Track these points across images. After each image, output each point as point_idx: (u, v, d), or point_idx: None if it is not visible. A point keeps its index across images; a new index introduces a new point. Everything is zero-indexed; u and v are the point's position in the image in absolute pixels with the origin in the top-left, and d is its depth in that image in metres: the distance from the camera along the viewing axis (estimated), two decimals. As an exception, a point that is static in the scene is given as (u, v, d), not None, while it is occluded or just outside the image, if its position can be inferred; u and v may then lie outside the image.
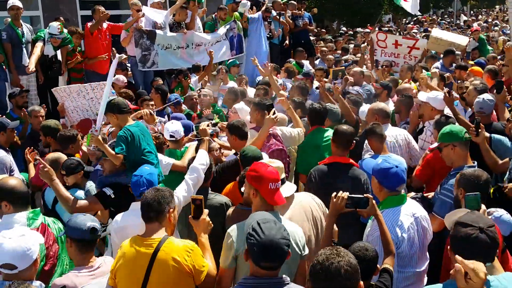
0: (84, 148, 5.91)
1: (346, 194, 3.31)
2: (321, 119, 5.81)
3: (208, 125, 5.31)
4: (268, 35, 12.13)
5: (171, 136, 5.33)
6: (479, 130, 4.68)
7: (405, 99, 6.60)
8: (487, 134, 4.92)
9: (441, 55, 10.63)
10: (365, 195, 3.33)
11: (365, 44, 12.63)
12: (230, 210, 4.00)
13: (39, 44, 8.40)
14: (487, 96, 5.74)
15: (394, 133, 5.64)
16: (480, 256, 2.52)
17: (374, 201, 3.32)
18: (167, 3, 13.19)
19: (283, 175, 3.74)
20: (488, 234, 2.59)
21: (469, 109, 6.48)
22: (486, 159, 4.74)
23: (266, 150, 5.43)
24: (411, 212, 3.55)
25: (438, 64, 9.94)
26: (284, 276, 2.76)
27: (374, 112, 5.87)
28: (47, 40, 8.47)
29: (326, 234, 3.42)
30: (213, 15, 11.51)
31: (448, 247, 2.72)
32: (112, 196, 4.32)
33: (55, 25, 8.46)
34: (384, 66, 9.88)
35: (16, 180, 3.83)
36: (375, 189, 3.68)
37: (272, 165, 3.58)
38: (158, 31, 9.61)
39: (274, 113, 5.32)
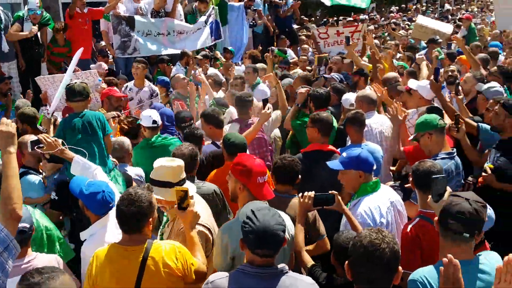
0: None
1: (312, 193, 3.34)
2: (325, 103, 5.82)
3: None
4: (251, 23, 12.01)
5: (154, 122, 5.25)
6: (459, 126, 4.68)
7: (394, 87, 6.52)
8: (474, 123, 4.90)
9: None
10: (330, 192, 3.37)
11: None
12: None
13: (15, 25, 8.17)
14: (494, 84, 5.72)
15: (380, 121, 5.58)
16: (459, 222, 2.61)
17: (339, 197, 3.36)
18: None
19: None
20: (472, 204, 2.65)
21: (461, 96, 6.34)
22: (467, 155, 4.77)
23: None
24: (386, 197, 3.61)
25: (423, 52, 9.88)
26: (282, 265, 2.72)
27: (359, 99, 5.78)
28: (26, 17, 8.26)
29: (299, 235, 3.34)
30: (193, 7, 11.33)
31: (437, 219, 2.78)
32: (56, 198, 4.18)
33: (34, 0, 8.20)
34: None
35: None
36: (353, 181, 3.63)
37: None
38: (137, 17, 9.44)
39: (268, 108, 5.32)
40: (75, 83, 4.89)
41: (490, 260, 2.72)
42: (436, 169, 3.52)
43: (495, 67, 7.04)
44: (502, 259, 3.52)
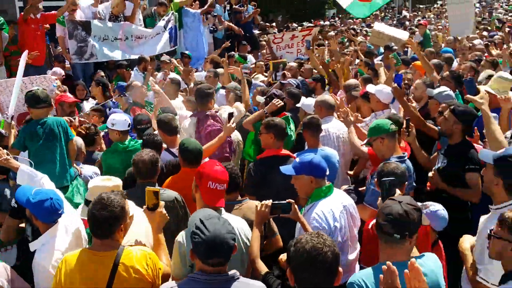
0: None
1: (270, 202, 3.35)
2: (282, 108, 5.81)
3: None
4: (211, 29, 12.00)
5: (129, 125, 5.35)
6: (410, 130, 4.82)
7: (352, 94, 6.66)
8: (435, 127, 5.09)
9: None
10: (287, 200, 3.38)
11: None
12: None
13: None
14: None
15: (338, 125, 5.66)
16: (390, 223, 2.67)
17: (296, 206, 3.38)
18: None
19: None
20: (403, 207, 2.71)
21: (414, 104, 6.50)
22: (417, 157, 4.91)
23: (203, 131, 5.51)
24: (339, 201, 3.65)
25: (379, 58, 10.10)
26: (233, 271, 2.72)
27: (317, 103, 5.85)
28: None
29: (255, 243, 3.33)
30: (153, 10, 11.25)
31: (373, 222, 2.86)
32: (15, 206, 4.01)
33: None
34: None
35: None
36: (305, 186, 3.66)
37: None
38: (93, 22, 9.28)
39: (233, 122, 5.21)
40: (38, 89, 4.83)
41: (426, 261, 2.79)
42: (400, 170, 3.66)
43: (447, 72, 7.23)
44: (452, 261, 3.69)
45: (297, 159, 3.70)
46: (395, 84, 6.09)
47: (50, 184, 3.86)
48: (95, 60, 9.39)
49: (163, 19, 10.67)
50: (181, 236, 3.23)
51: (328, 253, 2.38)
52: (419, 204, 3.47)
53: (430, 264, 2.79)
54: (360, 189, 4.53)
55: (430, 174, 4.49)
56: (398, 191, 3.30)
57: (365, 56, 10.85)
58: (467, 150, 4.43)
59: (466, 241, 3.51)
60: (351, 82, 7.45)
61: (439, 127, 4.87)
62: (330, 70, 8.51)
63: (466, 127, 4.58)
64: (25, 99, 4.74)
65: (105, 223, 2.89)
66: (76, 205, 4.54)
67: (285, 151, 4.72)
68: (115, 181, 3.53)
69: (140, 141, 5.36)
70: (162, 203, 3.33)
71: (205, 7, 11.84)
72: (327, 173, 3.69)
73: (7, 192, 4.55)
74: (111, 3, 9.78)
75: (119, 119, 5.34)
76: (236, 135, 5.89)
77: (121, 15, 9.93)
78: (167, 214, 3.37)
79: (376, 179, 3.76)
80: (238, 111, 6.17)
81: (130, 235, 3.25)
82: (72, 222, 3.46)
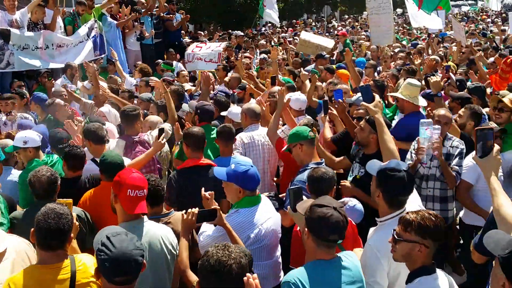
0: None
1: (196, 210, 3.36)
2: (210, 118, 5.92)
3: None
4: (138, 36, 11.85)
5: (25, 142, 4.89)
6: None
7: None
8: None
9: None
10: (212, 207, 3.41)
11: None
12: None
13: None
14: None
15: (264, 133, 5.69)
16: (335, 233, 2.86)
17: (220, 212, 3.40)
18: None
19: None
20: (341, 212, 2.92)
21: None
22: (325, 159, 4.93)
23: (132, 157, 5.22)
24: (265, 211, 3.72)
25: (310, 67, 10.29)
26: None
27: (243, 111, 5.89)
28: None
29: (183, 253, 3.30)
30: (72, 10, 10.96)
31: (305, 230, 2.96)
32: None
33: None
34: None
35: None
36: (232, 194, 3.70)
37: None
38: (13, 30, 8.87)
39: (163, 138, 5.04)
40: None
41: (349, 257, 3.01)
42: (328, 175, 3.79)
43: (372, 81, 7.51)
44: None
45: (233, 166, 3.69)
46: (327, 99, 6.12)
47: None
48: (11, 69, 8.95)
49: (85, 25, 10.38)
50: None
51: (233, 265, 2.42)
52: (340, 202, 3.62)
53: (354, 260, 3.02)
54: (280, 195, 4.59)
55: (342, 183, 4.54)
56: (306, 199, 3.37)
57: (302, 63, 11.09)
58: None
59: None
60: (274, 89, 7.52)
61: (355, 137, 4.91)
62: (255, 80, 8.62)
63: None
64: None
65: (59, 233, 2.82)
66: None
67: (205, 160, 4.69)
68: None
69: (54, 155, 5.10)
70: (75, 214, 3.23)
71: (130, 16, 11.67)
72: (259, 187, 3.74)
73: None
74: (27, 9, 9.36)
75: (30, 136, 4.99)
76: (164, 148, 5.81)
77: (41, 22, 9.54)
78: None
79: (307, 184, 3.86)
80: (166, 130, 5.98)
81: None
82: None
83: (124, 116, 5.58)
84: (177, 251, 3.37)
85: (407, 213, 2.86)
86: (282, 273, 3.83)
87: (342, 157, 5.15)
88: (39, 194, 3.85)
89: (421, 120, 4.57)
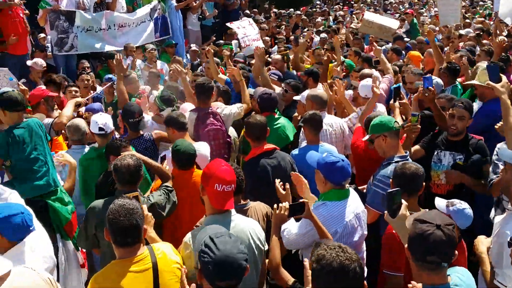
0: None
1: (287, 204, 3.26)
2: (272, 106, 5.69)
3: None
4: (200, 16, 11.77)
5: (100, 129, 4.73)
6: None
7: None
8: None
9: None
10: (301, 200, 3.30)
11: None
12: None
13: None
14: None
15: (330, 121, 5.49)
16: (434, 254, 2.44)
17: (308, 205, 3.28)
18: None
19: None
20: (444, 231, 2.47)
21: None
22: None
23: (201, 129, 5.24)
24: (354, 206, 3.52)
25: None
26: None
27: (309, 98, 5.63)
28: None
29: (275, 250, 3.18)
30: None
31: (406, 246, 2.61)
32: None
33: None
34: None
35: None
36: (319, 182, 3.57)
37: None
38: (79, 13, 8.91)
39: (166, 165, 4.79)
40: (13, 90, 4.36)
41: (461, 278, 2.63)
42: (422, 172, 3.55)
43: (445, 64, 6.98)
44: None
45: (325, 154, 3.55)
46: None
47: (19, 200, 3.55)
48: (74, 52, 9.09)
49: (148, 6, 10.33)
50: (188, 237, 3.10)
51: (357, 269, 2.23)
52: (446, 202, 3.39)
53: (466, 280, 2.65)
54: (359, 187, 4.34)
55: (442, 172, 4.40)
56: (404, 202, 3.04)
57: (354, 41, 10.65)
58: (477, 143, 4.52)
59: (482, 244, 3.40)
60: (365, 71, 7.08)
61: (451, 124, 4.65)
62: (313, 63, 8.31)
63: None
64: None
65: (135, 229, 2.82)
66: (66, 204, 4.40)
67: (270, 145, 4.59)
68: None
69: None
70: (144, 206, 3.26)
71: None
72: (346, 181, 3.54)
73: None
74: None
75: (92, 120, 4.83)
76: (231, 132, 5.68)
77: (104, 1, 9.57)
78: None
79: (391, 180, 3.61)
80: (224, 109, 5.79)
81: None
82: (38, 240, 3.20)
83: (200, 88, 5.46)
84: (265, 246, 3.27)
85: None
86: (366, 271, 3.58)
87: (417, 147, 4.82)
88: (124, 180, 3.68)
89: None
